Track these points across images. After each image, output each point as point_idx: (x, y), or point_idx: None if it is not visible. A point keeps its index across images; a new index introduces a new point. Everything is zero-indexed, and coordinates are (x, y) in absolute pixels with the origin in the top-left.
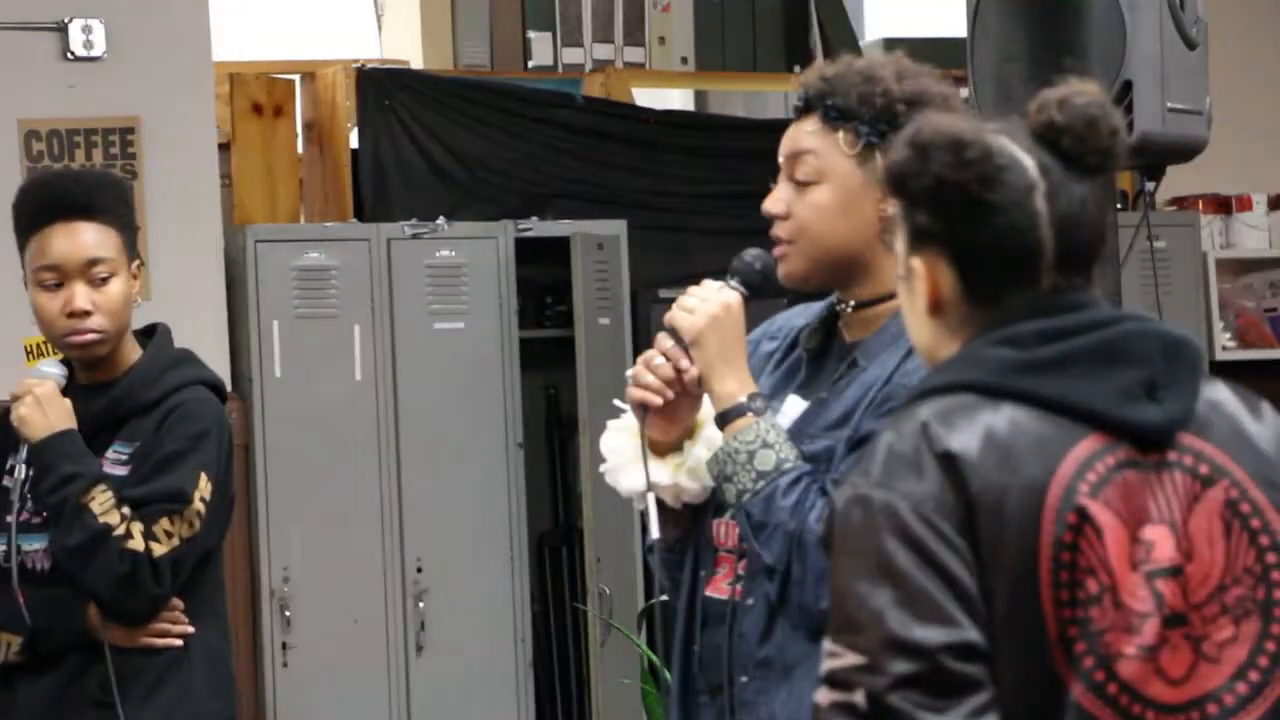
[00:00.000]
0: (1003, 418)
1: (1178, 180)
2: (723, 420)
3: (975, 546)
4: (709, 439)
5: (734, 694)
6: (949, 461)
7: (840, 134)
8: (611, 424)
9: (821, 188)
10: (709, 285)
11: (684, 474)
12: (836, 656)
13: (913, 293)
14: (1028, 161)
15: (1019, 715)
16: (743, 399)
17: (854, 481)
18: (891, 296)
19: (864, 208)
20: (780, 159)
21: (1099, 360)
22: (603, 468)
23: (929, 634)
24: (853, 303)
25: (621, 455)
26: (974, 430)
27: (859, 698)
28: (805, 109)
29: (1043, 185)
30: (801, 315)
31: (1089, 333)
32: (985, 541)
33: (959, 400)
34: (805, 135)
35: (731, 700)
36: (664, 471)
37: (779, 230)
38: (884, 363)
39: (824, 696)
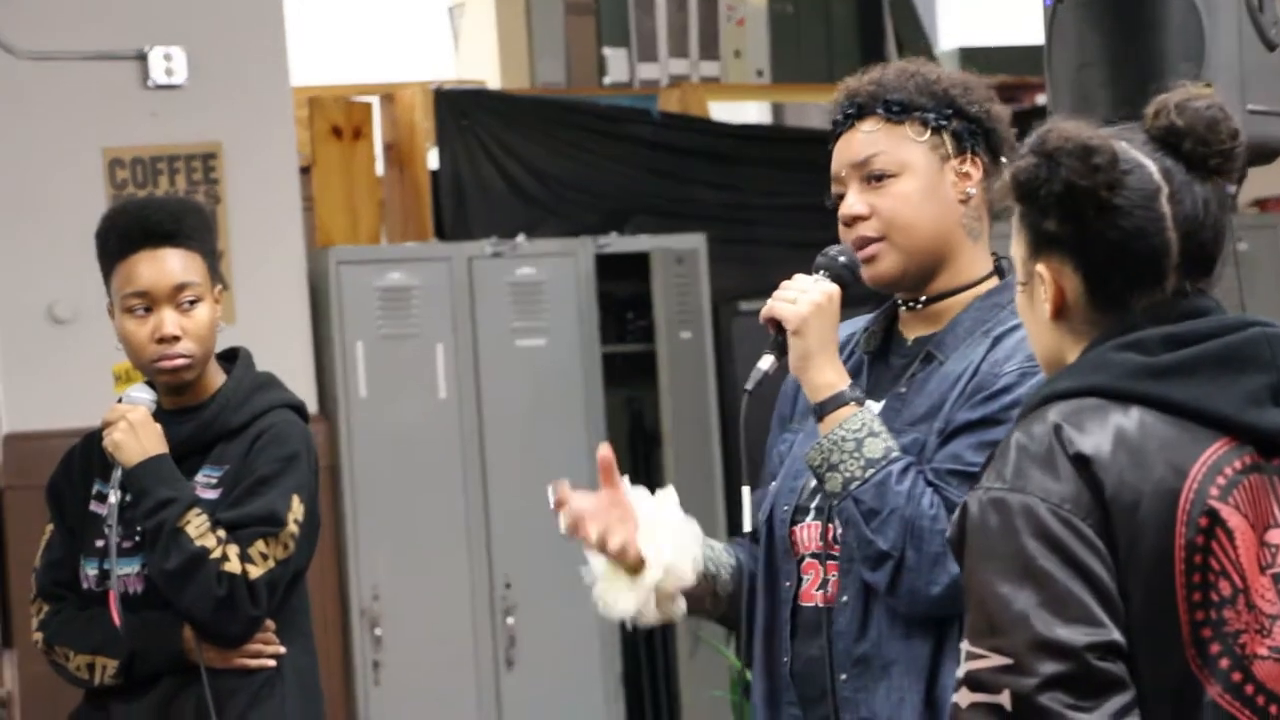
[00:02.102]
0: (1132, 420)
1: (1259, 182)
2: (822, 409)
3: (1113, 548)
4: (656, 564)
5: (835, 693)
6: (1083, 463)
7: (906, 125)
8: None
9: (902, 179)
10: (803, 279)
11: (659, 570)
12: (978, 658)
13: (1034, 299)
14: (1151, 165)
15: (1157, 716)
16: (844, 388)
17: (987, 485)
18: (963, 289)
19: (944, 191)
20: (840, 170)
21: (1226, 366)
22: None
23: (1075, 634)
24: (924, 298)
25: (599, 578)
26: (1105, 432)
27: (1004, 699)
28: (858, 115)
29: (1166, 188)
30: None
31: (1214, 338)
32: (1121, 543)
33: (1087, 403)
34: (867, 137)
35: (835, 701)
36: (652, 571)
37: (865, 230)
38: (964, 355)
39: (964, 698)
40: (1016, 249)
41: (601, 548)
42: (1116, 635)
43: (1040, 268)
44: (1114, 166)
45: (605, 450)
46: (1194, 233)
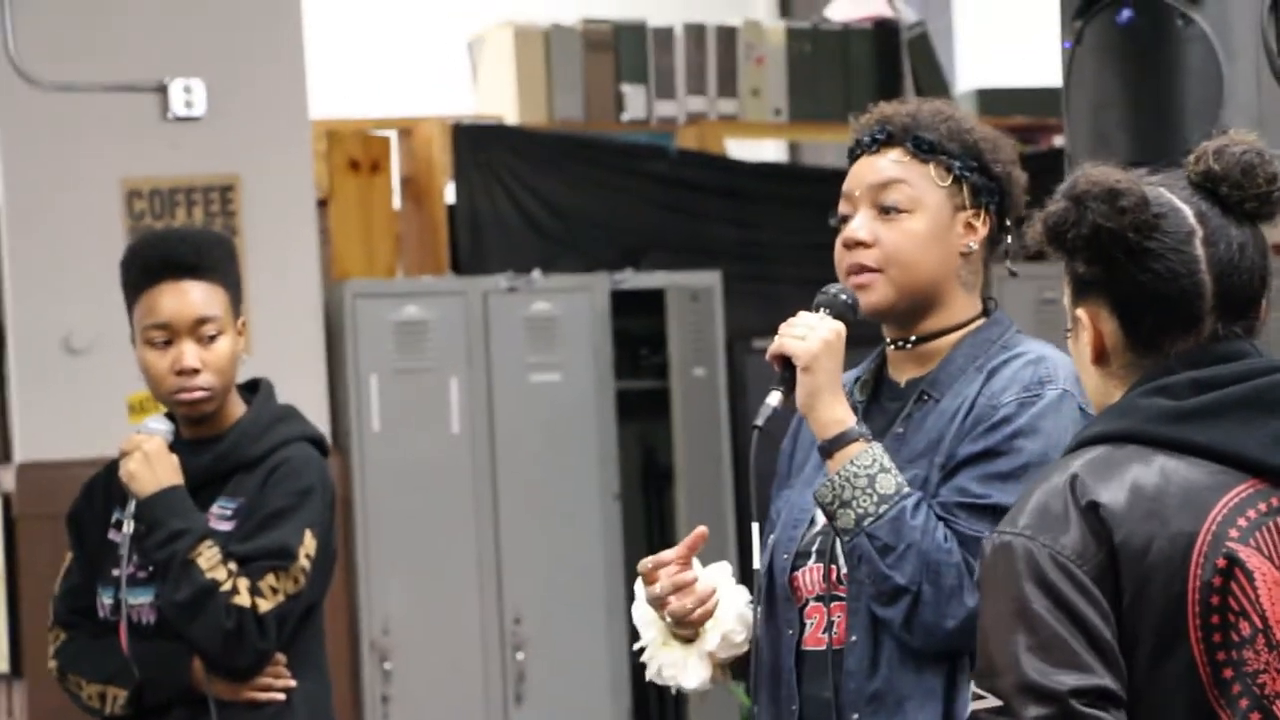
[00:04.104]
0: (1153, 469)
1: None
2: (831, 446)
3: (1117, 595)
4: (715, 632)
5: None
6: (1094, 511)
7: (931, 166)
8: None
9: (914, 216)
10: (809, 316)
11: (717, 636)
12: (979, 699)
13: (1079, 343)
14: (1186, 209)
15: None
16: (852, 425)
17: (1001, 529)
18: (952, 329)
19: (950, 240)
20: (855, 189)
21: (1253, 408)
22: (658, 675)
23: (1061, 678)
24: (914, 338)
25: (661, 654)
26: (1122, 483)
27: None
28: (887, 142)
29: (1201, 231)
30: None
31: (1243, 381)
32: (1128, 589)
33: (1111, 451)
34: (892, 165)
35: None
36: (711, 638)
37: (863, 258)
38: (959, 391)
39: None
40: (1064, 296)
41: (679, 618)
42: (1108, 681)
43: (1080, 312)
44: (1142, 209)
45: (703, 531)
46: (1229, 275)
